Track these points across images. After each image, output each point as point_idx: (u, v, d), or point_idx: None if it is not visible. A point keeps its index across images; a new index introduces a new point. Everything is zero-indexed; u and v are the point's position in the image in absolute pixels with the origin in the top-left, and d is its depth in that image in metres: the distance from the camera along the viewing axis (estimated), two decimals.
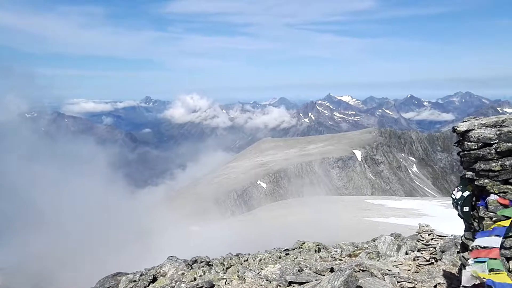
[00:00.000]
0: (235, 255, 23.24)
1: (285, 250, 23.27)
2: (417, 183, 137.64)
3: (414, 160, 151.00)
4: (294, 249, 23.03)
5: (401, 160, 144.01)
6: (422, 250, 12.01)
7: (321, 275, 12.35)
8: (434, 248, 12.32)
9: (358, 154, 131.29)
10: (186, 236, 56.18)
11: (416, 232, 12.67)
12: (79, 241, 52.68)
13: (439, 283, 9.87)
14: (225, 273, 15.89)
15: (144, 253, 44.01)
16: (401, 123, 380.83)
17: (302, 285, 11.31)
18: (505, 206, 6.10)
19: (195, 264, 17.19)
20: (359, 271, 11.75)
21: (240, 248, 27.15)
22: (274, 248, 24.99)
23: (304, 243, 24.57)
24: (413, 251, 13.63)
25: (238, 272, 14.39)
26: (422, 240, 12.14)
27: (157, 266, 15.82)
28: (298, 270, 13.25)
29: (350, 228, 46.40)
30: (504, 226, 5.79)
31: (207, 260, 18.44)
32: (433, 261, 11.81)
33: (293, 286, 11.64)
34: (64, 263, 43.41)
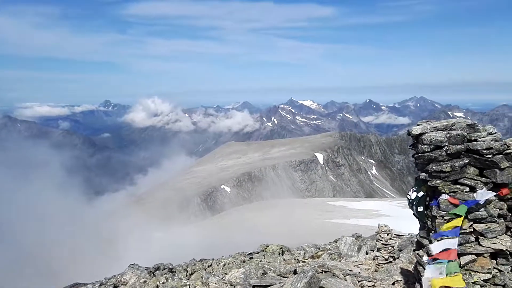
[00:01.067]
0: (198, 261, 22.96)
1: (249, 254, 23.26)
2: (377, 184, 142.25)
3: (373, 162, 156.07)
4: (258, 253, 23.07)
5: (361, 162, 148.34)
6: (381, 250, 12.43)
7: (285, 277, 12.45)
8: (392, 247, 12.78)
9: (320, 157, 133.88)
10: (148, 243, 54.86)
11: (376, 232, 13.11)
12: (32, 251, 50.07)
13: (397, 281, 10.25)
14: (188, 279, 15.67)
15: (105, 262, 42.55)
16: (361, 127, 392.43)
17: None
18: (455, 205, 6.43)
19: (157, 272, 16.86)
20: (321, 272, 11.96)
21: (204, 254, 26.90)
22: (238, 252, 24.91)
23: (268, 246, 24.66)
24: (373, 251, 14.08)
25: (201, 278, 14.25)
26: (381, 240, 12.57)
27: (118, 274, 15.34)
28: (262, 274, 13.28)
29: (313, 230, 47.07)
30: (458, 226, 6.11)
31: (170, 266, 18.13)
32: (391, 259, 12.25)
33: None
34: (16, 276, 41.08)
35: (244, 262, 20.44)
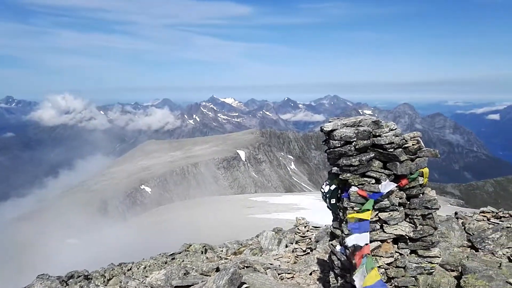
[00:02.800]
0: (117, 265, 21.90)
1: (171, 254, 22.76)
2: (295, 179, 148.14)
3: (292, 158, 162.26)
4: (180, 253, 22.67)
5: (280, 158, 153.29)
6: (299, 242, 12.95)
7: (207, 276, 12.40)
8: (310, 239, 13.40)
9: (242, 154, 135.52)
10: (62, 250, 50.89)
11: (294, 226, 13.63)
12: None
13: (314, 271, 10.76)
14: (106, 285, 14.86)
15: (11, 275, 38.56)
16: (280, 124, 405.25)
17: None
18: (363, 197, 6.92)
19: (71, 280, 15.71)
20: (243, 268, 12.12)
21: (124, 257, 25.86)
22: (160, 254, 24.27)
23: (191, 245, 24.36)
24: (292, 244, 14.63)
25: (120, 282, 13.61)
26: (299, 233, 13.10)
27: (25, 287, 14.01)
28: (184, 274, 13.07)
29: (236, 226, 47.47)
30: (367, 220, 6.57)
31: (86, 273, 17.01)
32: (309, 251, 12.84)
33: None
34: None
35: (165, 263, 19.96)
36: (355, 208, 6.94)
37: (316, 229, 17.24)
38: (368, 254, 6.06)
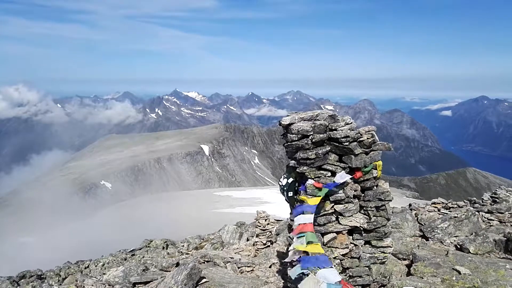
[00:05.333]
0: (74, 263, 21.22)
1: (131, 251, 22.33)
2: (259, 173, 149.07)
3: (256, 152, 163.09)
4: (140, 249, 22.29)
5: (244, 153, 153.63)
6: (260, 235, 13.04)
7: (167, 271, 12.22)
8: (270, 232, 13.52)
9: (206, 148, 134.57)
10: (15, 250, 48.47)
11: (255, 219, 13.70)
12: None
13: (273, 263, 10.87)
14: (60, 284, 14.33)
15: None
16: (244, 119, 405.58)
17: (147, 285, 11.00)
18: (319, 189, 7.03)
19: (22, 280, 15.04)
20: (203, 262, 12.05)
21: (82, 255, 25.13)
22: (120, 250, 23.75)
23: (152, 241, 24.02)
24: (253, 237, 14.70)
25: (76, 281, 13.16)
26: (260, 226, 13.19)
27: None
28: (143, 270, 12.82)
29: (199, 221, 47.23)
30: (314, 204, 6.66)
31: (39, 273, 16.32)
32: (269, 244, 12.95)
33: (138, 287, 11.24)
34: None
35: (125, 259, 19.54)
36: (308, 196, 7.03)
37: (278, 222, 17.43)
38: (311, 231, 6.14)
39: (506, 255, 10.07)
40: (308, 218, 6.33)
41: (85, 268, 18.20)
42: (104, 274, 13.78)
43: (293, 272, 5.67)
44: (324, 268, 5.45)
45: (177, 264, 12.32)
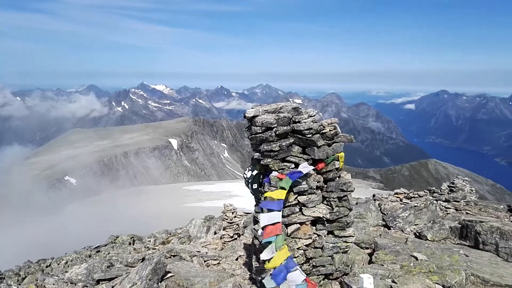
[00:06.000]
0: (35, 262, 20.52)
1: (96, 247, 21.84)
2: (228, 167, 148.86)
3: (225, 146, 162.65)
4: (106, 245, 21.84)
5: (214, 146, 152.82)
6: (227, 228, 13.05)
7: (133, 267, 12.03)
8: (237, 225, 13.56)
9: (174, 142, 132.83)
10: None
11: (222, 212, 13.68)
12: None
13: (240, 256, 10.91)
14: (19, 284, 13.80)
15: None
16: (213, 112, 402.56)
17: (111, 281, 10.79)
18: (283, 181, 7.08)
19: None
20: (170, 257, 11.95)
21: (45, 254, 24.32)
22: (84, 247, 23.17)
23: (118, 237, 23.58)
24: (220, 230, 14.68)
25: (36, 280, 12.73)
26: (227, 219, 13.19)
27: None
28: (108, 266, 12.57)
29: (168, 216, 46.73)
30: (281, 199, 6.72)
31: None
32: (236, 236, 12.99)
33: (102, 284, 11.01)
34: None
35: (89, 256, 19.07)
36: (271, 188, 7.08)
37: (246, 215, 17.49)
38: (279, 234, 6.22)
39: (460, 241, 10.59)
40: (276, 216, 6.37)
41: (47, 266, 17.62)
42: (66, 272, 13.40)
43: (268, 284, 5.82)
44: (291, 271, 5.62)
45: (143, 260, 12.16)
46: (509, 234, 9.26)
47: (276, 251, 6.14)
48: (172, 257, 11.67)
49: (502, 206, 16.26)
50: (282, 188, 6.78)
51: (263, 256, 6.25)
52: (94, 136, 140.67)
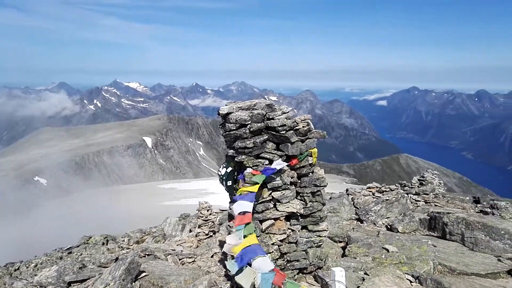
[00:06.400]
0: (3, 266, 19.85)
1: (67, 248, 21.33)
2: (204, 164, 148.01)
3: (201, 143, 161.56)
4: (78, 246, 21.36)
5: (189, 144, 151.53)
6: (202, 226, 13.00)
7: (106, 267, 11.83)
8: (213, 222, 13.53)
9: (148, 141, 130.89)
10: None
11: (197, 210, 13.62)
12: None
13: (215, 253, 10.91)
14: None
15: None
16: (188, 110, 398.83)
17: (83, 283, 10.57)
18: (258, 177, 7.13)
19: None
20: (144, 256, 11.81)
21: (14, 257, 23.58)
22: (56, 249, 22.59)
23: (91, 237, 23.11)
24: (196, 228, 14.62)
25: (4, 284, 12.33)
26: (202, 217, 13.14)
27: None
28: (80, 268, 12.28)
29: (142, 215, 46.11)
30: (253, 192, 6.77)
31: None
32: (211, 234, 12.97)
33: (74, 286, 10.77)
34: None
35: (61, 258, 18.61)
36: (246, 185, 7.12)
37: (221, 212, 17.48)
38: (249, 222, 6.25)
39: (429, 232, 10.96)
40: (247, 206, 6.42)
41: (15, 270, 17.06)
42: (35, 275, 13.03)
43: (231, 266, 5.76)
44: (258, 257, 5.59)
45: (116, 260, 11.96)
46: (474, 224, 9.65)
47: (243, 238, 6.13)
48: (146, 256, 11.54)
49: (468, 198, 16.93)
50: (256, 183, 6.84)
51: (229, 240, 6.24)
52: (65, 135, 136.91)
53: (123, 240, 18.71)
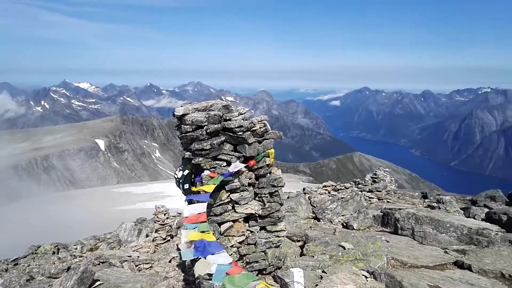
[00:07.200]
0: None
1: (13, 260, 19.99)
2: (161, 167, 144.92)
3: (157, 145, 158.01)
4: (26, 256, 20.10)
5: (144, 146, 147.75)
6: (159, 230, 12.69)
7: (56, 278, 11.24)
8: (170, 226, 13.25)
9: (101, 143, 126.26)
10: None
11: (153, 214, 13.27)
12: None
13: (173, 257, 10.70)
14: None
15: None
16: (143, 111, 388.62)
17: None
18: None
19: None
20: (98, 264, 11.34)
21: None
22: (0, 261, 21.12)
23: (40, 246, 21.83)
24: (152, 233, 14.25)
25: None
26: (159, 221, 12.83)
27: None
28: (27, 280, 11.59)
29: (96, 221, 44.35)
30: (208, 192, 6.67)
31: None
32: (169, 238, 12.69)
33: None
34: None
35: (6, 271, 17.40)
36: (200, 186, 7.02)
37: (179, 216, 17.17)
38: (204, 221, 6.15)
39: (382, 228, 11.40)
40: (201, 207, 6.31)
41: None
42: None
43: (185, 255, 5.62)
44: (215, 253, 5.51)
45: (68, 269, 11.40)
46: (423, 219, 10.16)
47: (198, 231, 5.97)
48: (101, 264, 11.09)
49: (417, 193, 17.81)
50: (212, 183, 6.77)
51: (183, 234, 6.09)
52: (9, 138, 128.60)
53: (76, 248, 17.84)
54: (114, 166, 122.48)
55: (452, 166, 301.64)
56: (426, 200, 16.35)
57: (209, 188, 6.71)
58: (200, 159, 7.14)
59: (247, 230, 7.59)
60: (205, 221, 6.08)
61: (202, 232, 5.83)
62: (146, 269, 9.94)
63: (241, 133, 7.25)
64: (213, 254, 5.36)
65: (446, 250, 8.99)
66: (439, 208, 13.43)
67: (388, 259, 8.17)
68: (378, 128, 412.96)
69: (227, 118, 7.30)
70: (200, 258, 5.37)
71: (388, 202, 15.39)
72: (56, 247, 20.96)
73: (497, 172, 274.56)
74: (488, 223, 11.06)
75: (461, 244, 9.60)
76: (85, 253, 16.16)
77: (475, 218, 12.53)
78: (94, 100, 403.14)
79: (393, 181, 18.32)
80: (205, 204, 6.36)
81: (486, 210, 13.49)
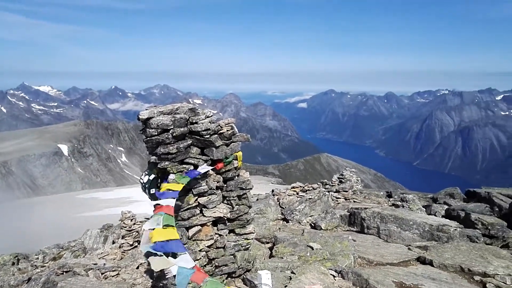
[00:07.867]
0: None
1: None
2: (127, 171, 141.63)
3: (123, 150, 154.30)
4: None
5: (110, 151, 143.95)
6: (126, 236, 12.38)
7: None
8: (137, 232, 12.96)
9: (64, 148, 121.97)
10: None
11: (120, 220, 12.94)
12: None
13: (141, 264, 10.45)
14: None
15: None
16: (107, 114, 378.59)
17: None
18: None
19: None
20: (62, 273, 10.91)
21: None
22: None
23: None
24: (119, 239, 13.89)
25: None
26: (125, 227, 12.52)
27: None
28: None
29: (60, 229, 42.72)
30: (176, 190, 6.57)
31: None
32: (136, 244, 12.40)
33: None
34: None
35: None
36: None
37: (146, 221, 16.83)
38: (170, 214, 6.05)
39: (349, 227, 11.66)
40: (169, 201, 6.23)
41: None
42: None
43: (145, 248, 5.47)
44: (178, 254, 5.42)
45: (29, 280, 10.91)
46: (387, 217, 10.46)
47: (160, 225, 5.85)
48: (64, 273, 10.66)
49: (382, 193, 18.33)
50: (180, 183, 6.69)
51: (146, 226, 5.97)
52: None
53: (37, 258, 17.08)
54: (78, 172, 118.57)
55: (415, 166, 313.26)
56: (391, 199, 16.86)
57: (178, 187, 6.62)
58: (167, 163, 7.03)
59: (216, 233, 7.55)
60: (172, 215, 6.00)
61: (166, 225, 5.72)
62: (113, 276, 9.66)
63: (208, 136, 7.21)
64: (174, 252, 5.29)
65: (410, 247, 9.30)
66: (403, 206, 13.89)
67: (355, 258, 8.35)
68: (344, 129, 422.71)
69: (194, 121, 7.24)
70: (160, 253, 5.24)
71: (354, 202, 15.75)
72: (16, 258, 20.00)
73: (455, 170, 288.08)
74: (448, 220, 11.54)
75: (423, 240, 9.97)
76: (47, 262, 15.52)
77: (435, 215, 13.06)
78: (55, 104, 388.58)
79: (359, 181, 18.78)
80: (174, 200, 6.29)
81: (446, 207, 14.09)
